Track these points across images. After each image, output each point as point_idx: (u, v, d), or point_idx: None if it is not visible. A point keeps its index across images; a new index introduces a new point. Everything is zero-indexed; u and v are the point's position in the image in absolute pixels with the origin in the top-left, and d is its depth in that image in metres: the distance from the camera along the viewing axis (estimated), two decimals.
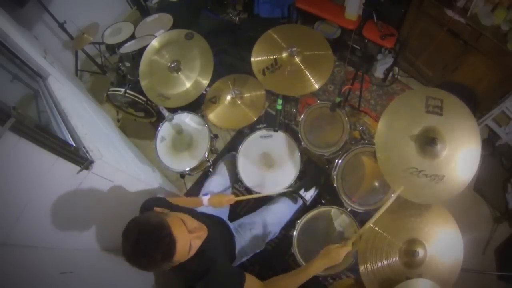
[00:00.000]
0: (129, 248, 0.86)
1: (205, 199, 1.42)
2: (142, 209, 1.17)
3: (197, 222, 1.03)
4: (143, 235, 0.86)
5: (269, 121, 1.85)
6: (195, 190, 2.27)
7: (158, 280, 1.61)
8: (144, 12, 3.14)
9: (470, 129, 1.15)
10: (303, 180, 1.78)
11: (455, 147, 1.14)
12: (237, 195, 1.57)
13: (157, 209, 1.03)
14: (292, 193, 1.70)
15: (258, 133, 1.74)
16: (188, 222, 0.98)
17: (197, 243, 1.00)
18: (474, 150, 1.14)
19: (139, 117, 2.52)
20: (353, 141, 1.63)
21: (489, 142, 2.41)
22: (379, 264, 1.20)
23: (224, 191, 1.71)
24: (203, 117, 1.77)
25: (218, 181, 1.70)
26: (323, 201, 1.77)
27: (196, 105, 1.84)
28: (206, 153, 1.69)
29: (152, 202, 1.17)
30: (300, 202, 1.73)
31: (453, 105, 1.18)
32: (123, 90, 2.12)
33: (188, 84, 1.68)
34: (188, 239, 0.94)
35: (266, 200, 1.72)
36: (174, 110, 1.81)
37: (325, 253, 1.18)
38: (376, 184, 1.49)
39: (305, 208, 1.71)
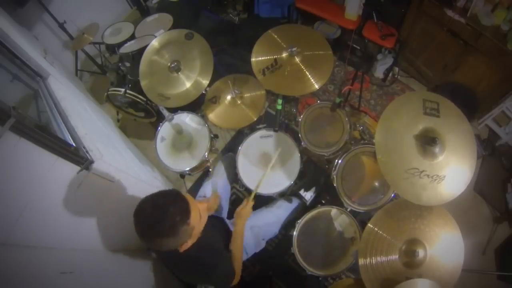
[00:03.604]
0: (148, 213, 0.91)
1: None
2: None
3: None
4: (159, 197, 0.94)
5: (269, 121, 1.85)
6: (195, 190, 2.27)
7: (158, 280, 1.61)
8: (144, 12, 3.14)
9: (465, 130, 1.18)
10: (303, 180, 1.79)
11: (454, 147, 1.15)
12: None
13: None
14: (286, 194, 1.70)
15: (258, 133, 1.74)
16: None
17: (205, 215, 1.07)
18: (470, 150, 1.16)
19: (139, 117, 2.52)
20: (353, 141, 1.63)
21: (489, 142, 2.41)
22: (379, 264, 1.21)
23: (224, 192, 1.71)
24: (203, 117, 1.77)
25: (217, 182, 1.70)
26: (323, 201, 1.77)
27: (196, 105, 1.84)
28: (206, 153, 1.69)
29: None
30: (296, 201, 1.73)
31: (449, 107, 1.20)
32: (123, 90, 2.12)
33: (188, 84, 1.68)
34: (197, 206, 1.01)
35: (265, 201, 1.72)
36: (174, 110, 1.81)
37: (237, 216, 1.39)
38: (376, 184, 1.50)
39: (305, 208, 1.71)
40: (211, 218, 1.38)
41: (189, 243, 1.03)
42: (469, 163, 1.15)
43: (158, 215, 0.91)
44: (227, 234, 1.45)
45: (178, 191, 0.99)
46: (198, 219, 1.00)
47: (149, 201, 0.94)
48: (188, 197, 1.00)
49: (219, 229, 1.39)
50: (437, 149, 1.14)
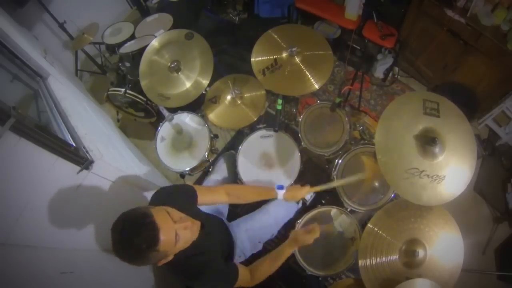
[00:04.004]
0: (116, 239, 0.88)
1: (281, 193, 1.38)
2: (162, 194, 1.17)
3: (183, 214, 1.03)
4: (127, 224, 0.89)
5: (269, 121, 1.85)
6: None
7: (158, 280, 1.61)
8: (144, 12, 3.14)
9: (465, 131, 1.18)
10: (303, 180, 1.78)
11: (454, 148, 1.15)
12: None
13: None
14: None
15: (258, 133, 1.74)
16: (173, 213, 0.98)
17: (185, 234, 0.99)
18: (470, 150, 1.15)
19: (139, 117, 2.52)
20: (353, 141, 1.63)
21: (489, 142, 2.41)
22: (379, 264, 1.21)
23: None
24: (203, 117, 1.77)
25: (217, 179, 1.70)
26: (323, 201, 1.77)
27: (196, 105, 1.84)
28: (206, 153, 1.69)
29: (175, 189, 1.18)
30: (301, 202, 1.72)
31: (449, 107, 1.20)
32: (123, 90, 2.12)
33: (188, 84, 1.68)
34: (172, 228, 0.94)
35: (266, 200, 1.72)
36: (174, 110, 1.81)
37: (293, 239, 1.27)
38: (376, 184, 1.49)
39: (305, 208, 1.71)
40: (209, 219, 1.37)
41: (169, 258, 0.98)
42: (469, 163, 1.15)
43: (124, 243, 0.87)
44: (228, 236, 1.45)
45: (151, 214, 0.90)
46: (171, 243, 0.94)
47: (119, 224, 0.89)
48: (162, 219, 0.92)
49: (217, 231, 1.37)
50: (437, 149, 1.14)
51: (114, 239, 0.88)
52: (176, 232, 0.95)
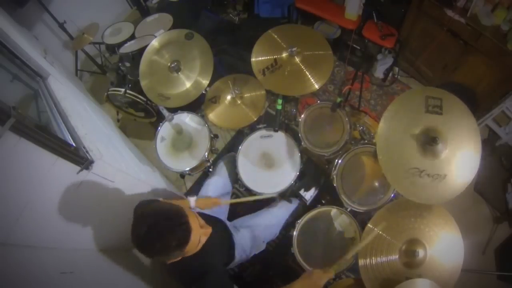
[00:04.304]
0: (144, 231, 0.86)
1: (192, 200, 1.38)
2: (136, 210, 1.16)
3: (203, 221, 1.05)
4: (162, 219, 0.88)
5: (269, 121, 1.85)
6: (195, 190, 2.27)
7: (158, 280, 1.61)
8: (144, 12, 3.14)
9: (469, 127, 1.15)
10: (303, 180, 1.79)
11: (456, 146, 1.14)
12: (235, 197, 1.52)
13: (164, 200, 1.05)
14: (285, 194, 1.69)
15: (258, 133, 1.74)
16: (199, 218, 1.00)
17: (203, 240, 1.01)
18: (474, 148, 1.14)
19: (139, 117, 2.52)
20: (353, 141, 1.63)
21: (489, 142, 2.41)
22: (379, 264, 1.21)
23: (224, 192, 1.71)
24: (203, 117, 1.77)
25: (218, 181, 1.70)
26: (323, 201, 1.77)
27: (196, 105, 1.84)
28: (206, 153, 1.69)
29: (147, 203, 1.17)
30: (296, 201, 1.73)
31: (453, 104, 1.18)
32: (123, 90, 2.13)
33: (188, 84, 1.68)
34: (199, 232, 0.96)
35: (266, 202, 1.72)
36: (174, 110, 1.81)
37: (307, 276, 1.19)
38: (376, 184, 1.49)
39: (305, 208, 1.71)
40: (208, 220, 1.37)
41: (179, 258, 0.99)
42: (472, 160, 1.13)
43: (153, 237, 0.86)
44: (228, 236, 1.45)
45: (185, 214, 0.90)
46: (195, 246, 0.95)
47: (150, 217, 0.88)
48: (193, 222, 0.91)
49: (216, 232, 1.37)
50: (438, 148, 1.14)
51: (140, 231, 0.86)
52: (200, 236, 0.96)
